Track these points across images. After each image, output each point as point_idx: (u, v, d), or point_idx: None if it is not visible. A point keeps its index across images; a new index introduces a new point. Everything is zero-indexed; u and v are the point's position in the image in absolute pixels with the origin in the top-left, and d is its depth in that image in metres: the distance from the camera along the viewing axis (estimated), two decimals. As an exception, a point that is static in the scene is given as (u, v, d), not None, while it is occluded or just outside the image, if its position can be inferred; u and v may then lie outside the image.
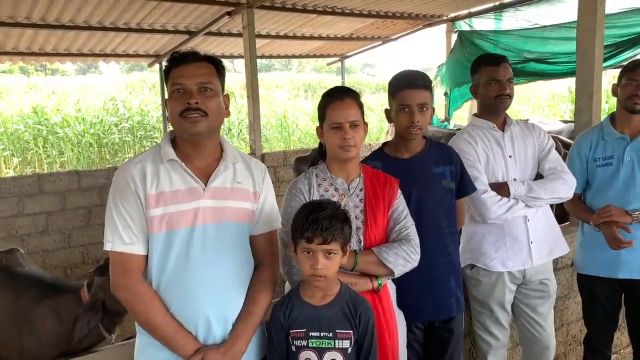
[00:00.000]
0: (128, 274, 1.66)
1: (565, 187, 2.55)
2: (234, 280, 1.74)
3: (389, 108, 2.33)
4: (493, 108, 2.58)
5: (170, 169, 1.71)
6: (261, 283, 1.80)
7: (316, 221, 1.64)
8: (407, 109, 2.19)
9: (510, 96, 2.55)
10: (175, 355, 1.66)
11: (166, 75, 1.75)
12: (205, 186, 1.72)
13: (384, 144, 2.42)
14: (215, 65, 1.77)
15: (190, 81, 1.68)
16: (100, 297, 2.65)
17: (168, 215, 1.66)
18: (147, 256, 1.69)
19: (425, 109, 2.20)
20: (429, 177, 2.27)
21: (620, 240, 2.58)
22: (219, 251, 1.71)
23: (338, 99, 1.95)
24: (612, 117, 2.81)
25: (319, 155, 2.14)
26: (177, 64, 1.71)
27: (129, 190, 1.67)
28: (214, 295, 1.68)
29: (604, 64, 3.94)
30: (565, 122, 7.60)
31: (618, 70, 2.90)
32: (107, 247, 1.67)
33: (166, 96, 1.77)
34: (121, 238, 1.66)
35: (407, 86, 2.20)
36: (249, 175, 1.83)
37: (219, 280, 1.70)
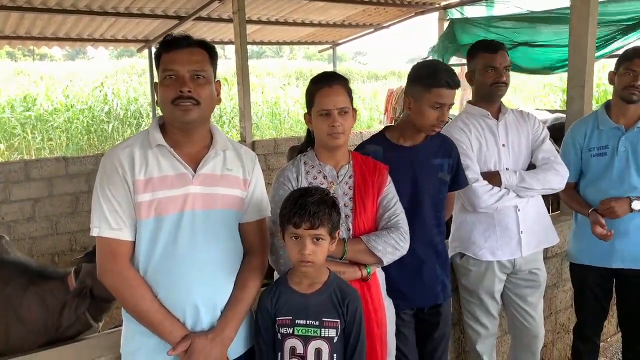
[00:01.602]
0: (115, 260, 1.64)
1: (557, 178, 2.54)
2: (222, 267, 1.72)
3: (407, 95, 2.24)
4: (489, 95, 2.56)
5: (159, 155, 1.68)
6: (250, 270, 1.78)
7: (304, 206, 1.63)
8: (440, 107, 2.16)
9: (507, 84, 2.52)
10: (163, 341, 1.64)
11: (157, 59, 1.71)
12: (195, 172, 1.69)
13: (385, 128, 2.39)
14: (209, 51, 1.73)
15: (183, 68, 1.64)
16: (87, 284, 2.61)
17: (157, 201, 1.64)
18: (134, 242, 1.67)
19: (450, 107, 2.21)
20: (427, 167, 2.26)
21: (603, 231, 2.60)
22: (208, 237, 1.69)
23: (326, 85, 1.92)
24: (607, 106, 2.78)
25: (306, 142, 2.11)
26: (169, 49, 1.67)
27: (117, 175, 1.64)
28: (202, 282, 1.66)
29: (597, 54, 3.92)
30: (555, 111, 7.62)
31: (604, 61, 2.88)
32: (94, 232, 1.65)
33: (156, 80, 1.73)
34: (108, 223, 1.63)
35: (447, 85, 2.15)
36: (239, 163, 1.81)
37: (208, 267, 1.68)
